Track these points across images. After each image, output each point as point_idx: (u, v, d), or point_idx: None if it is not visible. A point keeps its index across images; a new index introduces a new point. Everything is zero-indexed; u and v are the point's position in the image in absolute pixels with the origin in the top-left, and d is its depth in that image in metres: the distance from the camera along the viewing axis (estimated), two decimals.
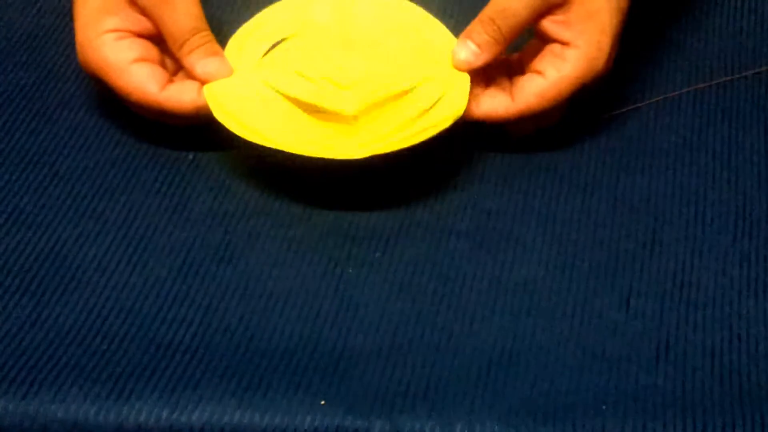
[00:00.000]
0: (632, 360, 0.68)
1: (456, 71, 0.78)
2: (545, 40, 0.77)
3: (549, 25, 0.77)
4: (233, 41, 0.80)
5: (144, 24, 0.78)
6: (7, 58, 0.87)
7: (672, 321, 0.70)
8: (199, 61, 0.77)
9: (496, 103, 0.78)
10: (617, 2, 0.77)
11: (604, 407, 0.65)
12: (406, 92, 0.76)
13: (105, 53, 0.77)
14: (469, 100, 0.77)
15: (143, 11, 0.78)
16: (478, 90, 0.78)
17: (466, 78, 0.77)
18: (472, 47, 0.77)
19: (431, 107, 0.76)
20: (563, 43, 0.76)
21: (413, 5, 0.82)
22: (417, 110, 0.76)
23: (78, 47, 0.78)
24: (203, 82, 0.77)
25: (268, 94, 0.77)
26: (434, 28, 0.80)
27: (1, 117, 0.82)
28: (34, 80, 0.85)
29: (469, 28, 0.78)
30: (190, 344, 0.69)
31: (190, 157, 0.80)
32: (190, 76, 0.78)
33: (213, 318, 0.70)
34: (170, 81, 0.77)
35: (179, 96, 0.77)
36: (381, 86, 0.76)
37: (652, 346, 0.69)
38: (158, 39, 0.79)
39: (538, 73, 0.77)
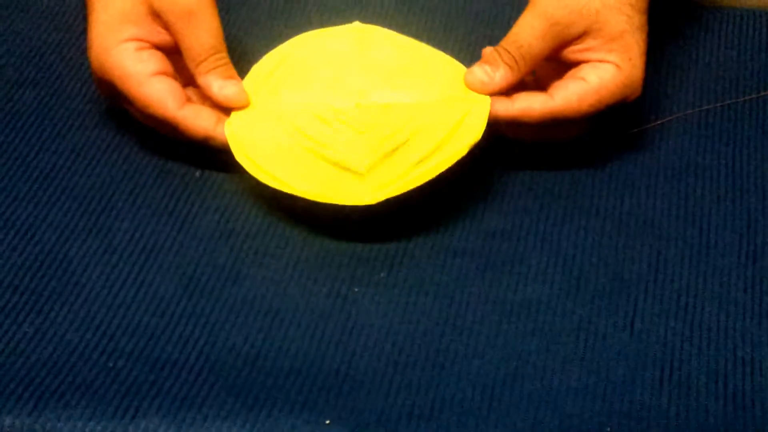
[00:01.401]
0: (636, 382, 0.68)
1: (477, 97, 0.78)
2: (577, 64, 0.78)
3: (573, 54, 0.77)
4: (255, 71, 0.80)
5: (162, 36, 0.79)
6: (15, 74, 0.87)
7: (676, 343, 0.70)
8: (217, 82, 0.78)
9: (532, 100, 0.77)
10: (638, 21, 0.78)
11: (608, 429, 0.66)
12: (419, 131, 0.76)
13: (125, 62, 0.77)
14: (501, 101, 0.77)
15: (165, 24, 0.78)
16: (513, 90, 0.78)
17: (487, 104, 0.77)
18: (488, 71, 0.77)
19: (448, 138, 0.76)
20: (598, 61, 0.77)
21: (427, 47, 0.82)
22: (430, 146, 0.76)
23: (93, 53, 0.79)
24: (219, 104, 0.78)
25: (286, 136, 0.77)
26: (451, 63, 0.81)
27: (9, 134, 0.83)
28: (42, 97, 0.85)
29: (487, 55, 0.78)
30: (196, 363, 0.69)
31: (197, 174, 0.80)
32: (205, 94, 0.78)
33: (218, 336, 0.71)
34: (188, 100, 0.78)
35: (194, 120, 0.77)
36: (395, 129, 0.76)
37: (656, 368, 0.69)
38: (171, 52, 0.79)
39: (580, 78, 0.77)
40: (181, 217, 0.77)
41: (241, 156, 0.77)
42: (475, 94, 0.78)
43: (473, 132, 0.76)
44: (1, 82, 0.87)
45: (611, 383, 0.68)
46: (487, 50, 0.78)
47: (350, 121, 0.77)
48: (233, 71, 0.79)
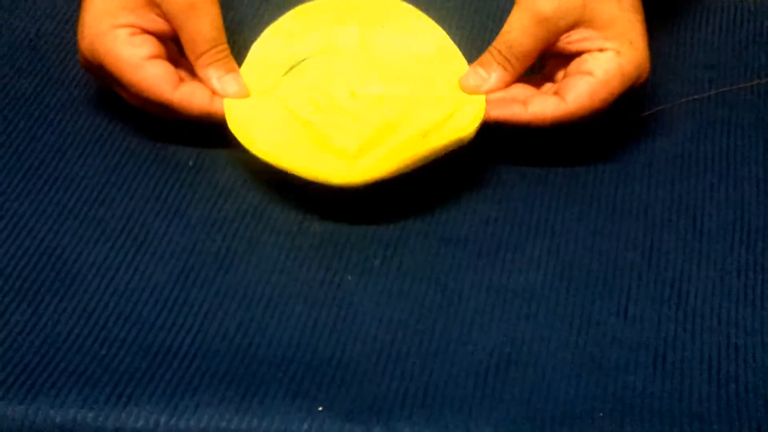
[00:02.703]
0: (629, 368, 0.68)
1: (473, 96, 0.78)
2: (579, 54, 0.77)
3: (570, 46, 0.77)
4: (257, 46, 0.81)
5: (158, 25, 0.79)
6: (7, 64, 0.87)
7: (669, 329, 0.70)
8: (217, 76, 0.79)
9: (545, 105, 0.76)
10: (629, 2, 0.77)
11: (601, 414, 0.66)
12: (411, 120, 0.76)
13: (119, 47, 0.77)
14: (515, 105, 0.77)
15: (165, 14, 0.78)
16: (526, 91, 0.78)
17: (482, 103, 0.77)
18: (481, 73, 0.78)
19: (436, 128, 0.76)
20: (598, 50, 0.77)
21: (440, 31, 0.82)
22: (421, 132, 0.76)
23: (86, 39, 0.79)
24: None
25: (281, 113, 0.77)
26: (455, 57, 0.81)
27: (1, 123, 0.83)
28: (34, 86, 0.85)
29: (481, 57, 0.78)
30: (189, 350, 0.69)
31: (190, 163, 0.80)
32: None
33: (212, 324, 0.70)
34: (181, 80, 0.78)
35: (190, 98, 0.77)
36: (387, 117, 0.76)
37: (650, 354, 0.69)
38: (165, 39, 0.79)
39: (586, 73, 0.76)
40: (174, 206, 0.77)
41: (236, 129, 0.77)
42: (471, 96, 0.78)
43: (465, 127, 0.76)
44: None
45: (604, 369, 0.68)
46: (485, 54, 0.79)
47: (344, 107, 0.77)
48: (233, 64, 0.80)
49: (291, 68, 0.81)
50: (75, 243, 0.75)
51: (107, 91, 0.84)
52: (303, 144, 0.76)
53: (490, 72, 0.78)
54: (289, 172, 0.75)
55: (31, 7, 0.92)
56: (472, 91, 0.78)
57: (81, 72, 0.86)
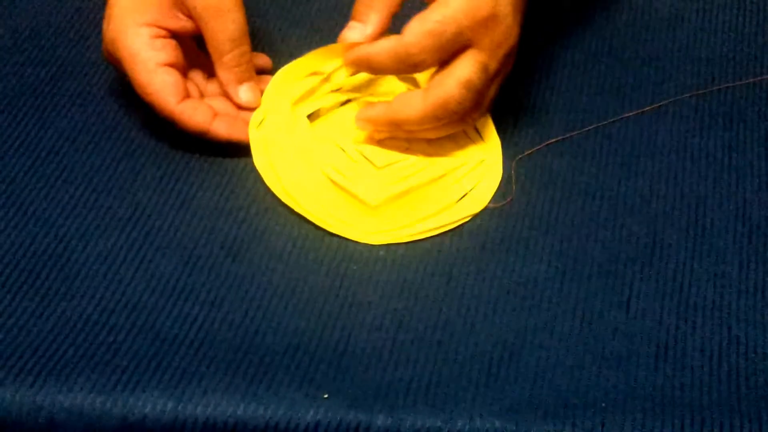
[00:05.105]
0: (632, 359, 0.69)
1: (491, 161, 0.79)
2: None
3: None
4: (281, 74, 0.81)
5: (181, 22, 0.79)
6: (17, 54, 0.88)
7: (671, 322, 0.71)
8: (236, 82, 0.80)
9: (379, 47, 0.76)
10: None
11: (603, 405, 0.66)
12: (435, 180, 0.78)
13: (137, 48, 0.78)
14: (376, 107, 0.78)
15: (190, 13, 0.79)
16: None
17: (498, 169, 0.79)
18: (356, 25, 0.77)
19: (451, 204, 0.77)
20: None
21: None
22: (437, 206, 0.77)
23: (110, 33, 0.79)
24: (232, 101, 0.80)
25: (305, 158, 0.78)
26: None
27: (10, 113, 0.83)
28: (43, 77, 0.86)
29: (352, 12, 0.78)
30: (195, 338, 0.70)
31: (197, 154, 0.80)
32: (222, 88, 0.80)
33: (218, 313, 0.71)
34: (187, 95, 0.79)
35: (192, 115, 0.78)
36: (411, 172, 0.77)
37: (652, 346, 0.69)
38: (187, 38, 0.80)
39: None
40: (182, 195, 0.78)
41: (259, 160, 0.78)
42: (489, 159, 0.79)
43: (478, 202, 0.77)
44: (3, 62, 0.87)
45: (607, 360, 0.69)
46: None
47: (370, 156, 0.78)
48: (252, 72, 0.81)
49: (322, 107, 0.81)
50: (83, 231, 0.76)
51: (116, 81, 0.85)
52: (324, 192, 0.77)
53: (365, 21, 0.77)
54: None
55: None
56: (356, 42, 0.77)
57: (91, 63, 0.86)
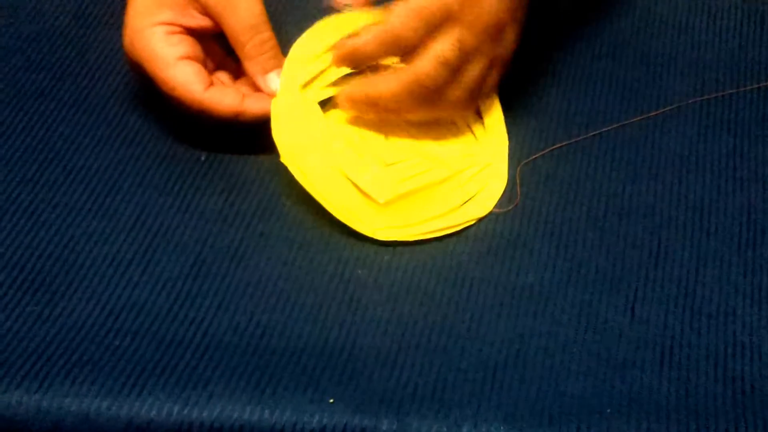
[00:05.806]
0: (636, 365, 0.69)
1: (497, 164, 0.79)
2: None
3: None
4: (296, 49, 0.80)
5: (197, 21, 0.79)
6: (22, 58, 0.88)
7: (676, 327, 0.71)
8: (262, 71, 0.79)
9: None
10: None
11: (608, 410, 0.66)
12: (442, 182, 0.78)
13: (154, 45, 0.78)
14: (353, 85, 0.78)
15: (204, 9, 0.79)
16: None
17: (504, 174, 0.79)
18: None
19: (459, 205, 0.77)
20: None
21: None
22: (444, 209, 0.77)
23: (127, 36, 0.79)
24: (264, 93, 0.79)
25: (319, 146, 0.78)
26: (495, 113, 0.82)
27: (16, 116, 0.83)
28: (48, 80, 0.86)
29: None
30: (201, 342, 0.70)
31: (203, 158, 0.81)
32: (249, 80, 0.80)
33: (223, 317, 0.71)
34: (212, 84, 0.78)
35: (220, 98, 0.77)
36: (420, 170, 0.77)
37: (657, 351, 0.70)
38: (205, 37, 0.80)
39: None
40: (187, 199, 0.78)
41: (278, 136, 0.77)
42: (495, 162, 0.80)
43: (484, 206, 0.78)
44: (7, 66, 0.87)
45: (612, 366, 0.69)
46: None
47: (380, 151, 0.78)
48: (279, 59, 0.79)
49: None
50: (89, 235, 0.76)
51: (120, 85, 0.85)
52: (337, 184, 0.76)
53: None
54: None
55: (44, 2, 0.92)
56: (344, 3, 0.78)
57: (95, 66, 0.86)
